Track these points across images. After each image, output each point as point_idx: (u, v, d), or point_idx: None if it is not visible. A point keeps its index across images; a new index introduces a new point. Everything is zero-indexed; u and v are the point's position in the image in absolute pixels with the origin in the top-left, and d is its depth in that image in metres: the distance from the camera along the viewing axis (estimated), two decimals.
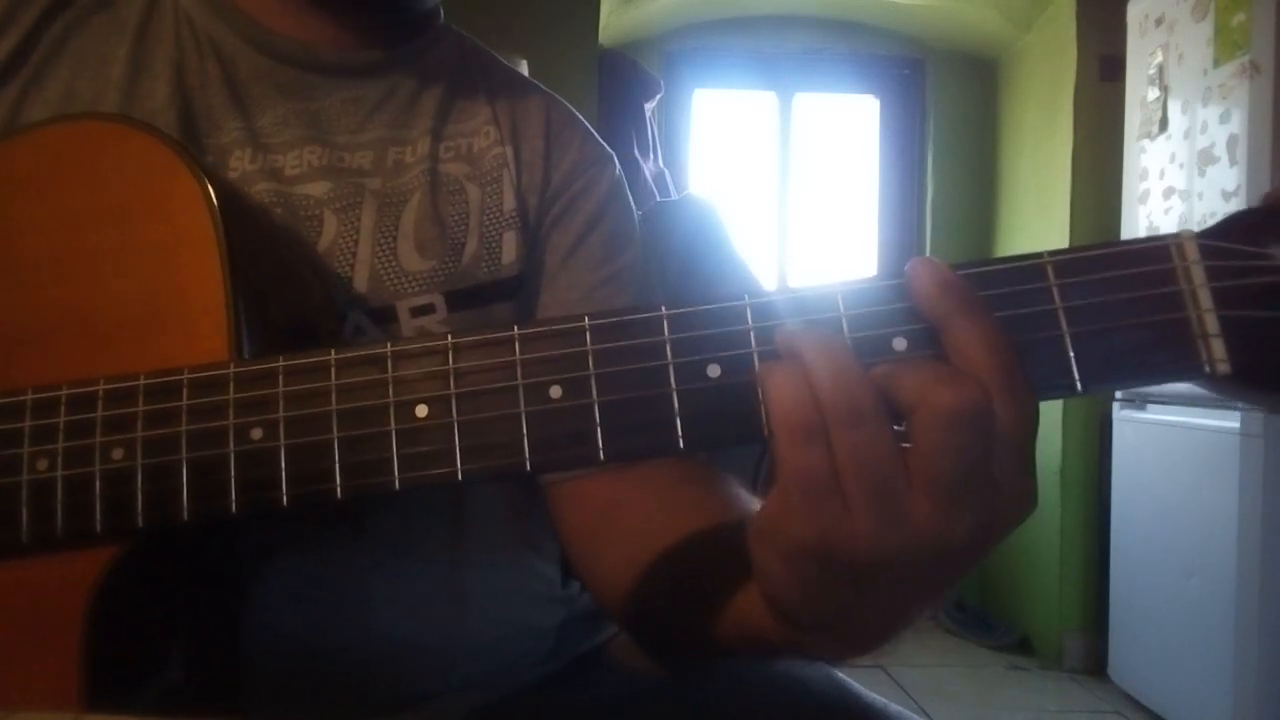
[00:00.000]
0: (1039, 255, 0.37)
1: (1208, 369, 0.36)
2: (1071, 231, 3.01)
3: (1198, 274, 0.36)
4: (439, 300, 0.64)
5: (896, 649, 3.06)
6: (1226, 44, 2.23)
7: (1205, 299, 0.36)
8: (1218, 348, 0.36)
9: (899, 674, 2.86)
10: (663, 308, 0.39)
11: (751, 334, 0.38)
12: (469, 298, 0.65)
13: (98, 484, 0.42)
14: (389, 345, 0.41)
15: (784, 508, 0.37)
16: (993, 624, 3.23)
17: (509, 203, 0.67)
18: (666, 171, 2.11)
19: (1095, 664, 2.83)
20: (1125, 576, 2.64)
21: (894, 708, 0.64)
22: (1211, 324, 0.36)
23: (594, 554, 0.63)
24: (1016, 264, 0.37)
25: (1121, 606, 2.66)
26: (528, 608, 0.72)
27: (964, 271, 0.37)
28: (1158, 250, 0.37)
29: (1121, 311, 0.36)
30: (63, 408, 0.43)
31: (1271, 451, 2.07)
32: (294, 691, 0.60)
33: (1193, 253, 0.37)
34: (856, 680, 0.66)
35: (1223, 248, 0.36)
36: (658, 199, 1.85)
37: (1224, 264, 0.36)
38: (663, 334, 0.39)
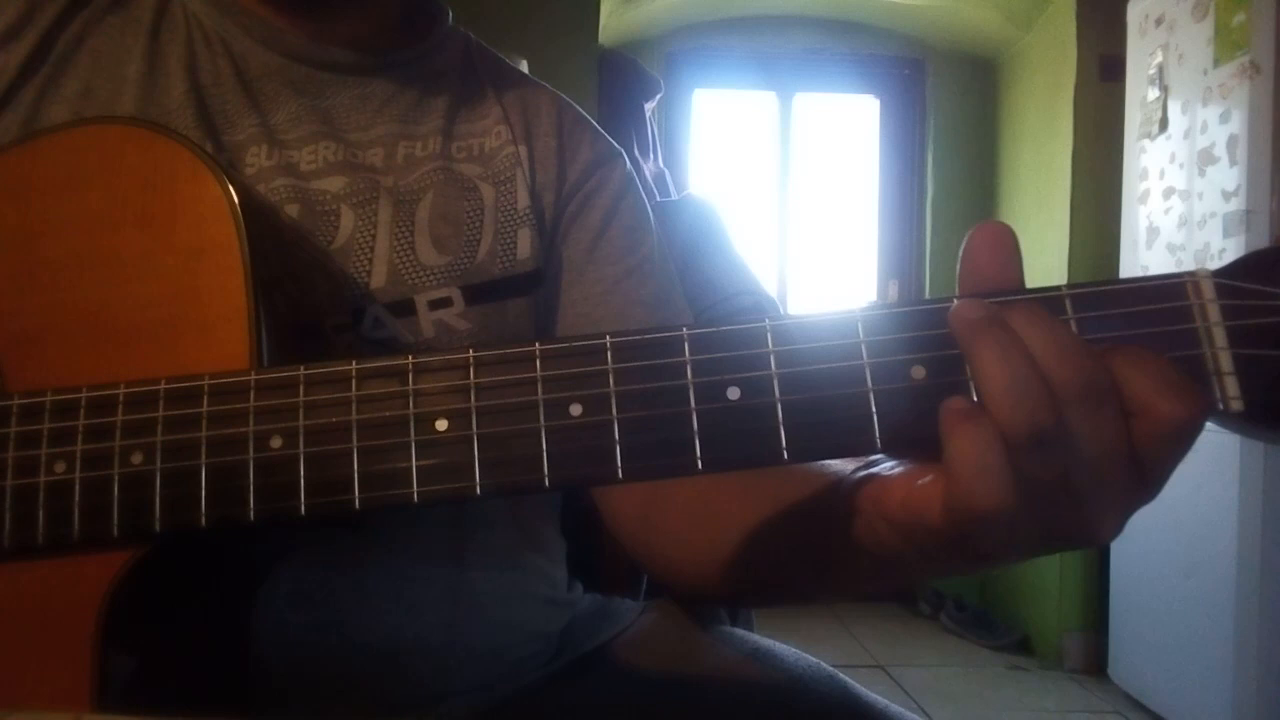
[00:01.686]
0: (1057, 288, 0.38)
1: (1221, 406, 0.36)
2: (1071, 231, 3.01)
3: (1213, 312, 0.37)
4: (456, 294, 0.64)
5: (896, 649, 3.07)
6: (1226, 44, 2.23)
7: (1220, 337, 0.36)
8: (1231, 385, 0.36)
9: (899, 674, 2.86)
10: (684, 329, 0.39)
11: (771, 356, 0.38)
12: (485, 292, 0.65)
13: (116, 488, 0.42)
14: (410, 357, 0.41)
15: (969, 518, 0.35)
16: (993, 624, 3.23)
17: (523, 201, 0.68)
18: (666, 171, 2.11)
19: (1095, 664, 2.84)
20: (1125, 576, 2.65)
21: (894, 708, 0.64)
22: (1225, 362, 0.36)
23: (648, 534, 0.63)
24: (1034, 295, 0.38)
25: (1121, 606, 2.67)
26: (532, 611, 0.72)
27: (981, 300, 0.37)
28: (1174, 287, 0.37)
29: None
30: (82, 411, 0.43)
31: (1272, 451, 2.08)
32: (300, 694, 0.60)
33: (1208, 291, 0.37)
34: (857, 680, 0.67)
35: (1238, 286, 0.37)
36: (658, 199, 1.85)
37: (1238, 303, 0.36)
38: (683, 354, 0.39)
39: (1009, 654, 3.11)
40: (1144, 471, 0.36)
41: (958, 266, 0.39)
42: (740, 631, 0.78)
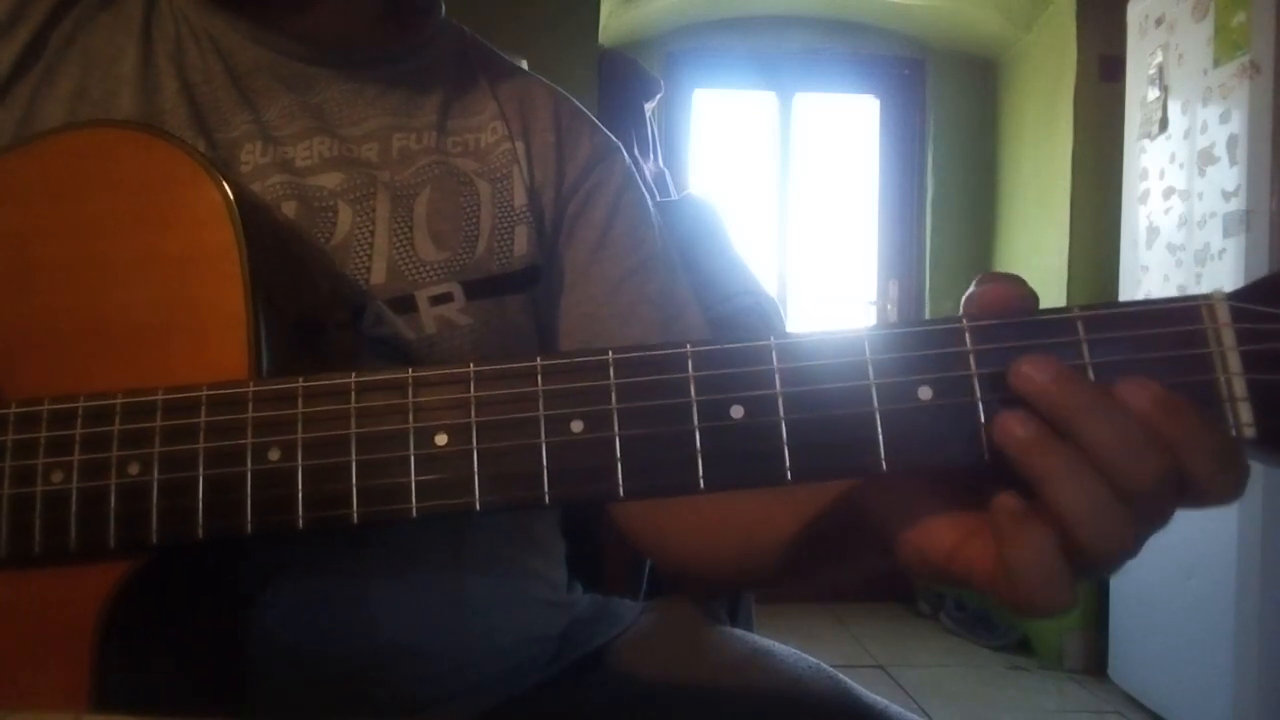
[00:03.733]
0: (1069, 310, 0.37)
1: (1234, 433, 0.36)
2: (1071, 231, 3.01)
3: (1228, 336, 0.36)
4: (456, 289, 0.64)
5: (896, 649, 3.07)
6: (1226, 44, 2.23)
7: (1234, 362, 0.36)
8: (1244, 412, 0.36)
9: (899, 674, 2.86)
10: (688, 345, 0.39)
11: (776, 375, 0.38)
12: (484, 288, 0.65)
13: (112, 498, 0.42)
14: (410, 370, 0.40)
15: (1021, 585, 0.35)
16: (993, 624, 3.23)
17: (520, 198, 0.68)
18: (666, 171, 2.10)
19: (1095, 664, 2.84)
20: (1125, 576, 2.61)
21: (894, 708, 0.64)
22: (1240, 388, 0.36)
23: (655, 532, 0.63)
24: (1045, 318, 0.37)
25: (1121, 606, 2.67)
26: (531, 614, 0.72)
27: (988, 323, 0.37)
28: (1189, 311, 0.36)
29: (1150, 371, 0.36)
30: (79, 420, 0.43)
31: None
32: (299, 698, 0.60)
33: (1224, 315, 0.36)
34: (857, 680, 0.66)
35: (1254, 310, 0.36)
36: (658, 199, 1.84)
37: (1253, 327, 0.36)
38: (686, 371, 0.38)
39: (1009, 654, 3.10)
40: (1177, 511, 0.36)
41: (960, 309, 0.38)
42: (740, 632, 0.78)
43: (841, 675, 0.67)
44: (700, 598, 0.82)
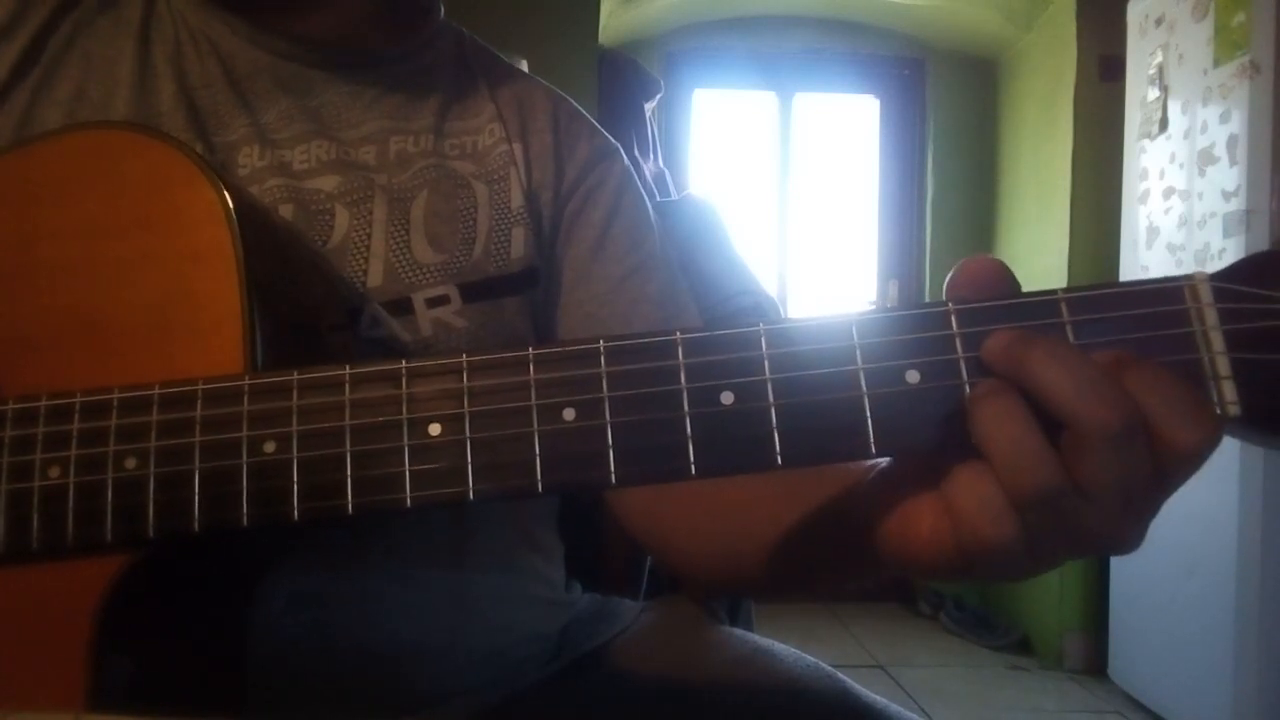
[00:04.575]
0: (1053, 292, 0.37)
1: (1219, 411, 0.36)
2: (1071, 231, 3.01)
3: (1210, 316, 0.36)
4: (453, 291, 0.64)
5: (896, 649, 3.07)
6: (1226, 44, 2.23)
7: (1218, 341, 0.36)
8: (1229, 390, 0.36)
9: (899, 674, 2.86)
10: (677, 332, 0.39)
11: (765, 361, 0.38)
12: (481, 290, 0.65)
13: (109, 492, 0.42)
14: (404, 362, 0.41)
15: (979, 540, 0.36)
16: (993, 624, 3.23)
17: (517, 200, 0.68)
18: (666, 171, 2.10)
19: (1095, 664, 2.84)
20: (1125, 576, 2.65)
21: (894, 708, 0.64)
22: (1223, 366, 0.36)
23: (654, 526, 0.63)
24: (1029, 299, 0.37)
25: (1121, 606, 2.67)
26: (531, 613, 0.72)
27: (974, 306, 0.37)
28: (1171, 291, 0.37)
29: (1134, 351, 0.36)
30: (76, 415, 0.43)
31: (1271, 452, 2.08)
32: (298, 695, 0.60)
33: (1206, 294, 0.36)
34: (857, 680, 0.67)
35: (1235, 290, 0.36)
36: (658, 199, 1.85)
37: (1236, 306, 0.36)
38: (677, 358, 0.39)
39: (1009, 654, 3.11)
40: (1162, 484, 0.36)
41: (944, 293, 0.39)
42: (740, 631, 0.78)
43: (841, 675, 0.67)
44: (700, 597, 0.82)
